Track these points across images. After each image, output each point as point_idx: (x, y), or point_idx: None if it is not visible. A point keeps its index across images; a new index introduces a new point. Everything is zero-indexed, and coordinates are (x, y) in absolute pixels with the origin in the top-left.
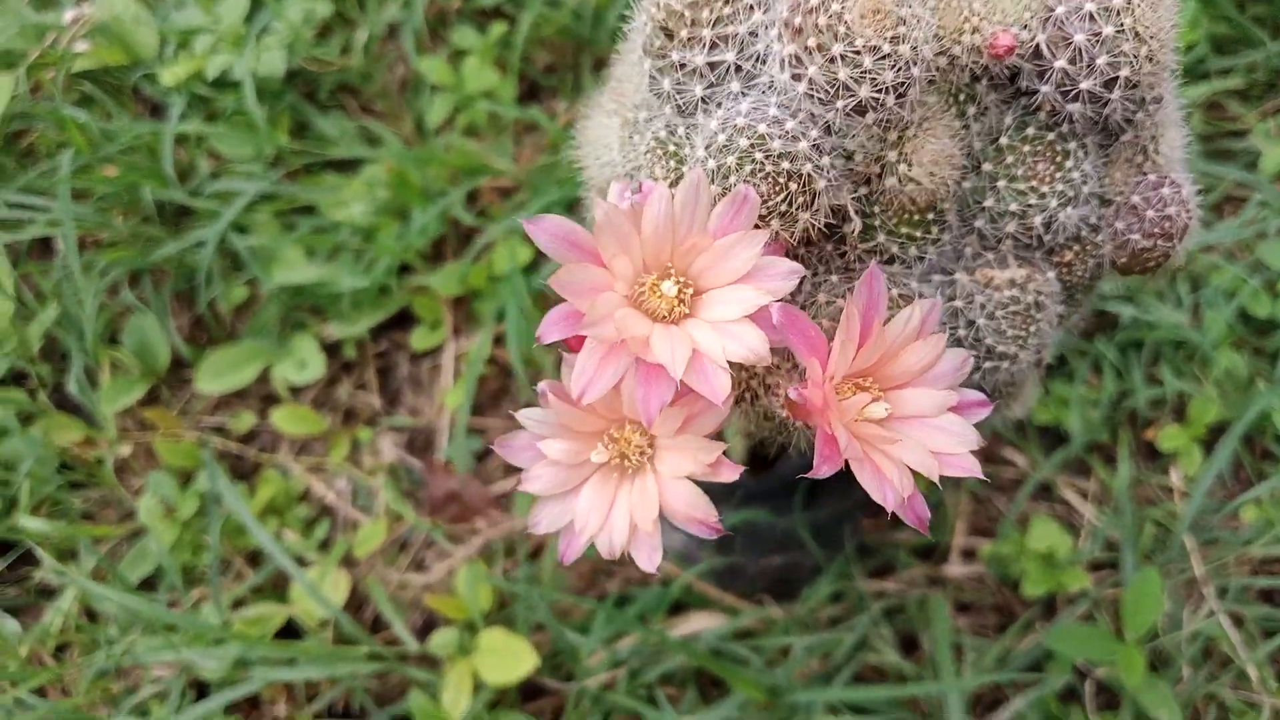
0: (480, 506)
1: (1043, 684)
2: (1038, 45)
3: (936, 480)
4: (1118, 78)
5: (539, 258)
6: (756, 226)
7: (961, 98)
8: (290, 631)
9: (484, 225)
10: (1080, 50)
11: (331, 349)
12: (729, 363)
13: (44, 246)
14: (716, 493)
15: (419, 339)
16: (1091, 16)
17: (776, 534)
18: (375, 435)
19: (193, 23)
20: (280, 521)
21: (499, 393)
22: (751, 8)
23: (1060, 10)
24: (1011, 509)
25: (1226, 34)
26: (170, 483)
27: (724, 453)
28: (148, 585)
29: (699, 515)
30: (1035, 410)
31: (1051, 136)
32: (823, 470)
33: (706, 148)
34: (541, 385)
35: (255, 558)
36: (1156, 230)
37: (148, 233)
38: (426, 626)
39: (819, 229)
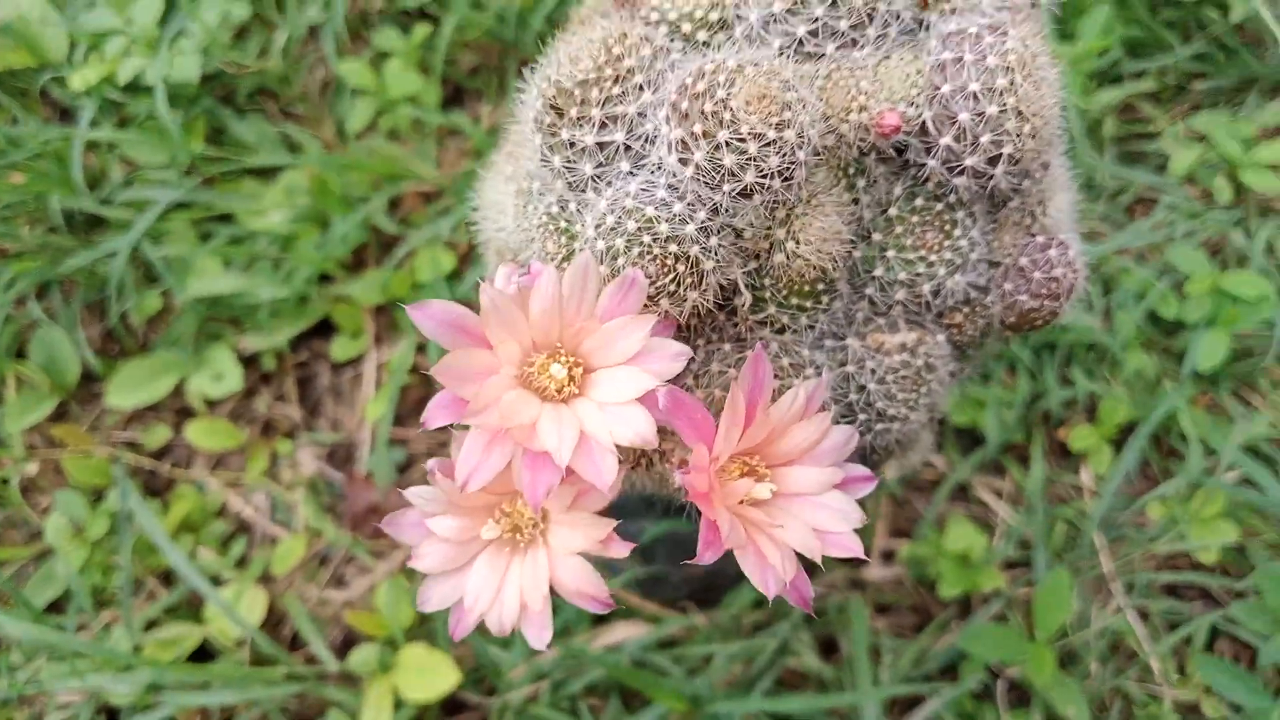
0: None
1: (958, 684)
2: (924, 122)
3: (819, 561)
4: (1001, 155)
5: (462, 266)
6: (646, 306)
7: (851, 171)
8: (205, 652)
9: (406, 232)
10: (964, 129)
11: (249, 360)
12: (617, 445)
13: None
14: (640, 506)
15: (340, 349)
16: (975, 96)
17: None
18: (295, 448)
19: (104, 25)
20: (195, 539)
21: (421, 402)
22: (641, 88)
23: (946, 89)
24: (929, 510)
25: (1139, 37)
26: (79, 501)
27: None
28: (55, 608)
29: (590, 591)
30: (953, 412)
31: (939, 207)
32: (705, 557)
33: (596, 228)
34: (430, 464)
35: (169, 577)
36: (1043, 291)
37: (56, 243)
38: (346, 643)
39: (708, 306)
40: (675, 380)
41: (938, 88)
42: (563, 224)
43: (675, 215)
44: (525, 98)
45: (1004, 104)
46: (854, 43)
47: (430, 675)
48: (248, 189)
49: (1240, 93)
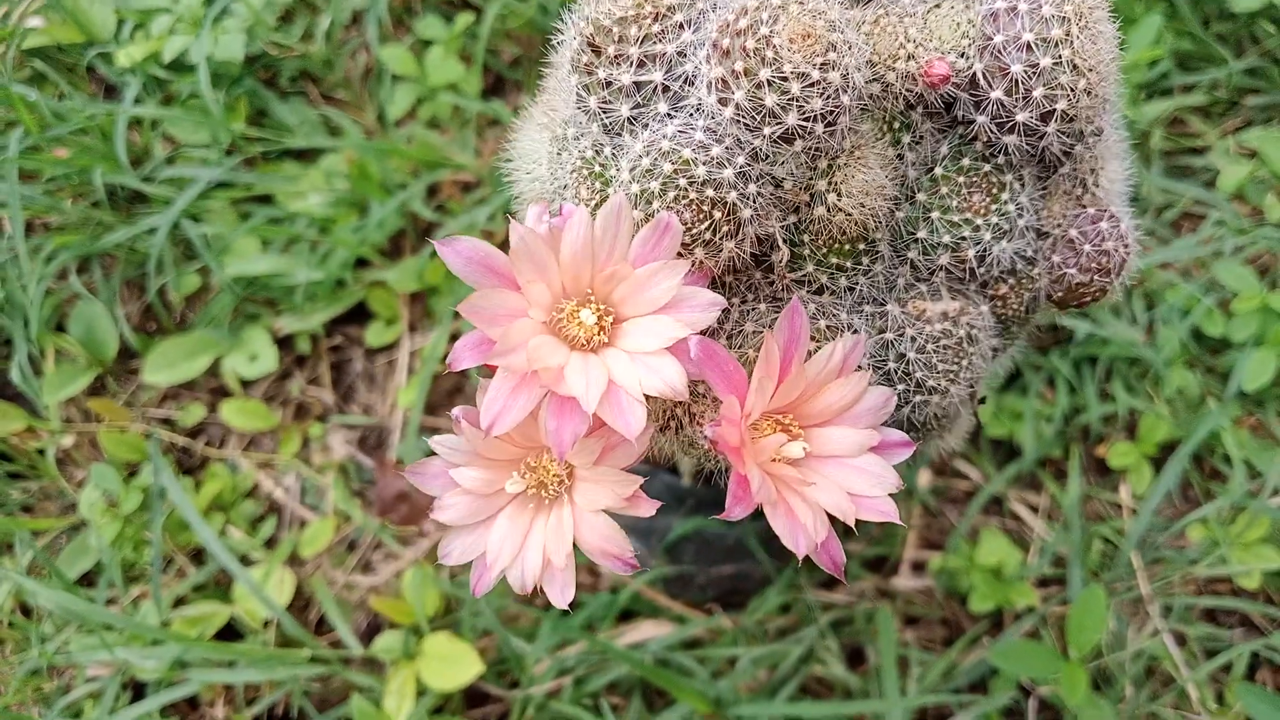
0: (430, 508)
1: (986, 701)
2: (974, 74)
3: (852, 524)
4: (1054, 111)
5: None
6: (680, 255)
7: (896, 125)
8: (232, 631)
9: (443, 220)
10: (1017, 81)
11: (284, 342)
12: (646, 396)
13: None
14: (669, 501)
15: (374, 335)
16: (1029, 47)
17: (727, 543)
18: (326, 432)
19: (151, 3)
20: (226, 518)
21: (453, 391)
22: (681, 26)
23: (998, 40)
24: (962, 522)
25: (1190, 50)
26: (114, 476)
27: (642, 486)
28: (87, 580)
29: (614, 550)
30: (989, 423)
31: (987, 168)
32: (735, 513)
33: (631, 171)
34: (455, 411)
35: (199, 555)
36: (1094, 265)
37: (98, 218)
38: (371, 629)
39: (745, 258)
40: (708, 335)
41: (990, 38)
42: (597, 168)
43: (713, 159)
44: (562, 38)
45: (1059, 56)
46: None
47: (453, 664)
48: (288, 171)
49: None
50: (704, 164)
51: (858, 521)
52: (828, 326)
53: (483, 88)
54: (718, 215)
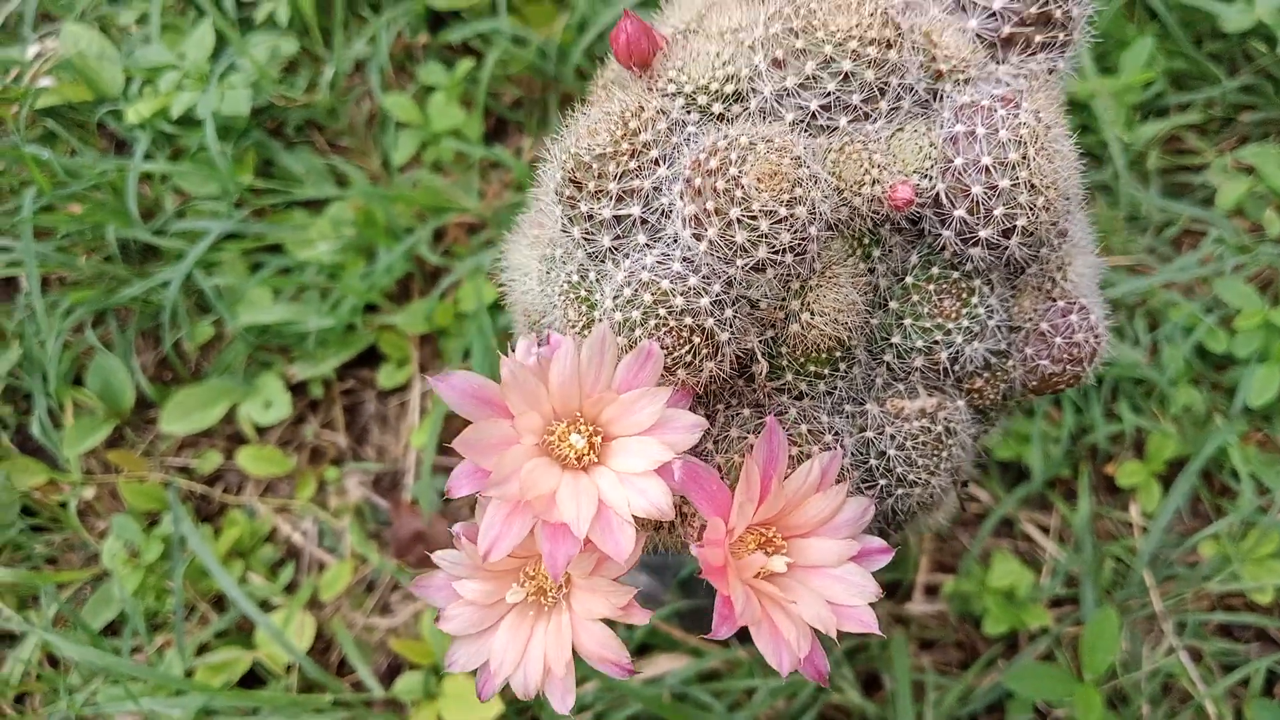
0: (446, 547)
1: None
2: (938, 194)
3: (834, 636)
4: (1014, 227)
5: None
6: (663, 376)
7: (866, 241)
8: (256, 676)
9: (450, 264)
10: (978, 201)
11: (298, 388)
12: (634, 516)
13: (5, 286)
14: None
15: (386, 377)
16: (988, 169)
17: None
18: (342, 475)
19: (159, 60)
20: (245, 564)
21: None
22: (657, 162)
23: (958, 162)
24: (974, 545)
25: (1184, 69)
26: (134, 526)
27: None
28: (111, 630)
29: (611, 657)
30: (996, 447)
31: (956, 275)
32: (720, 632)
33: (614, 300)
34: (456, 528)
35: (220, 601)
36: (1065, 356)
37: (112, 271)
38: (392, 670)
39: (725, 375)
40: (694, 447)
41: (950, 160)
42: (583, 293)
43: (690, 289)
44: (546, 168)
45: (1016, 177)
46: (866, 116)
47: (473, 704)
48: (296, 220)
49: None
50: (681, 294)
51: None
52: (809, 430)
53: (485, 130)
54: (697, 340)
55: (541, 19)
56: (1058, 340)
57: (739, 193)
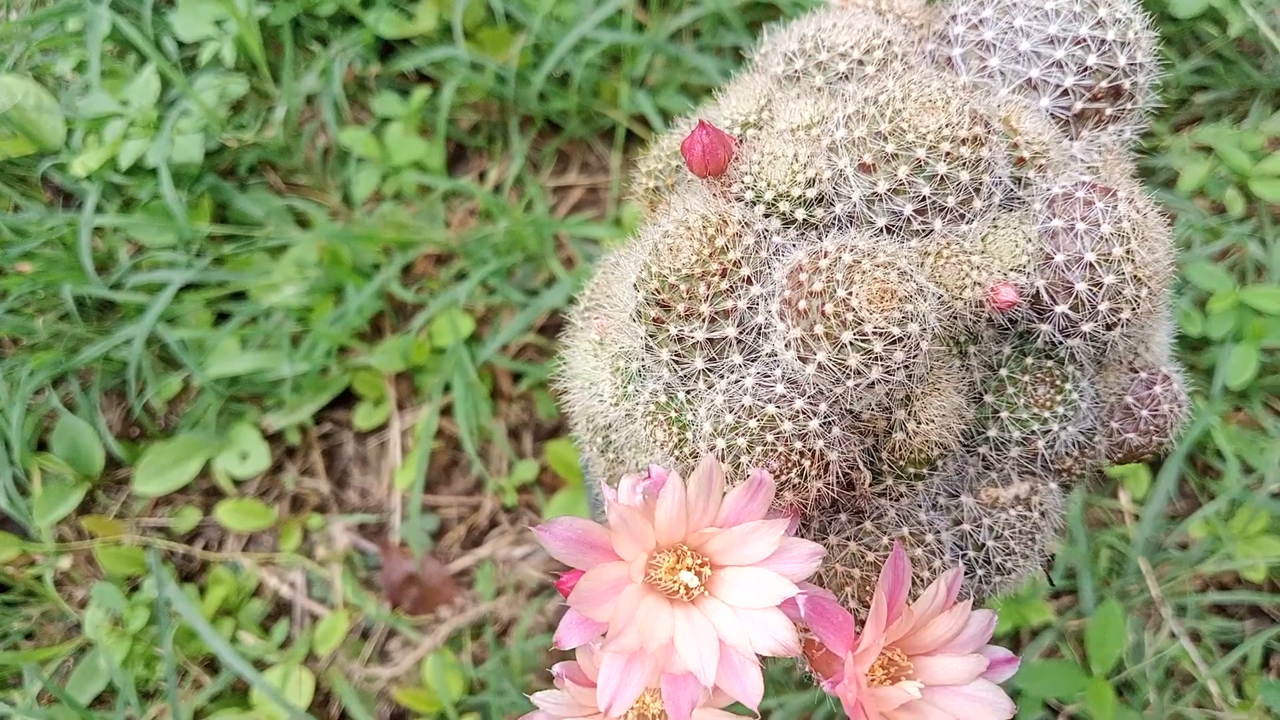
0: (439, 587)
1: None
2: (1038, 291)
3: None
4: (1119, 320)
5: (480, 328)
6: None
7: (962, 339)
8: None
9: (422, 299)
10: (1081, 298)
11: (273, 436)
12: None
13: None
14: None
15: (363, 417)
16: (1092, 266)
17: None
18: (326, 522)
19: (101, 109)
20: (235, 622)
21: (449, 466)
22: (749, 280)
23: (1059, 259)
24: None
25: None
26: (115, 593)
27: None
28: (100, 702)
29: None
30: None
31: (1049, 363)
32: None
33: (714, 426)
34: (558, 669)
35: (213, 663)
36: (1151, 428)
37: (70, 331)
38: (395, 718)
39: (831, 493)
40: None
41: (1050, 256)
42: (672, 414)
43: (797, 412)
44: (611, 277)
45: (1122, 272)
46: (961, 217)
47: None
48: (258, 264)
49: (1242, 102)
50: (789, 418)
51: None
52: (910, 533)
53: (446, 158)
54: (806, 463)
55: (497, 44)
56: (1144, 413)
57: (850, 316)
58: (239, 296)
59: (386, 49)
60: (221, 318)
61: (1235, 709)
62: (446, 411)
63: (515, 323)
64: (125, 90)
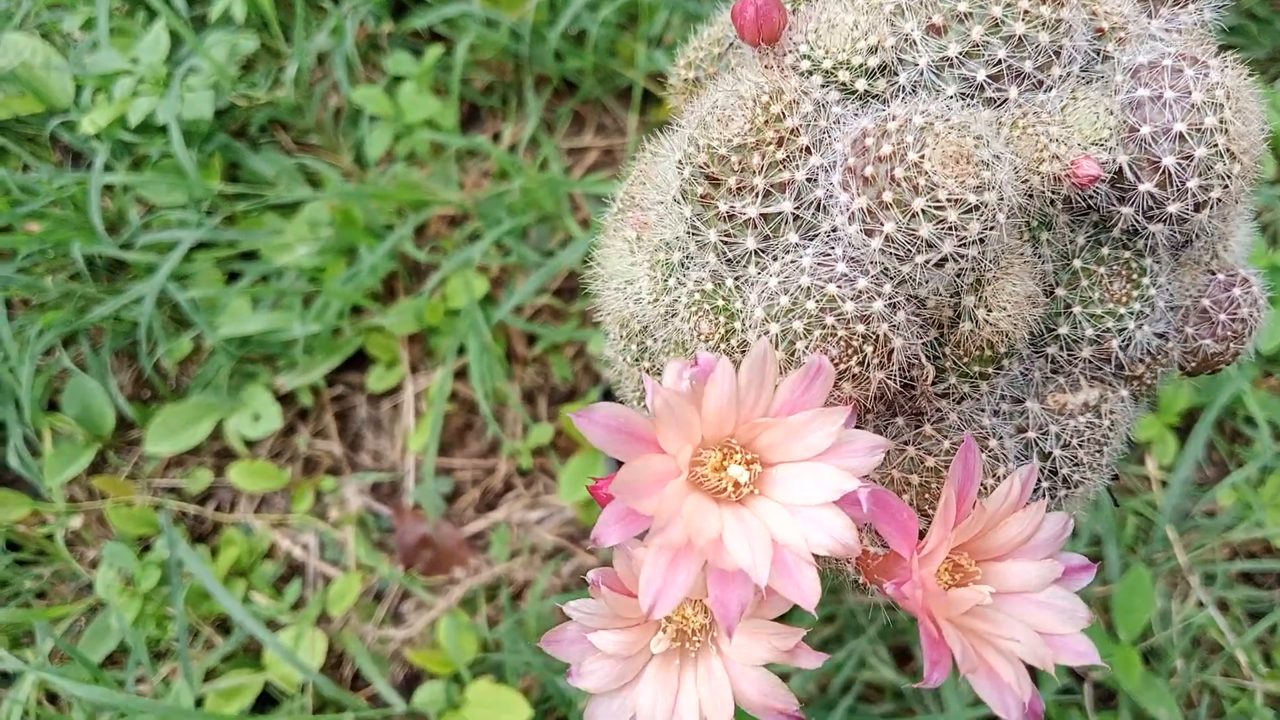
0: (454, 549)
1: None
2: (1120, 168)
3: (1051, 672)
4: (1209, 199)
5: (495, 289)
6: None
7: (1035, 224)
8: (268, 697)
9: (436, 260)
10: (1169, 174)
11: (286, 398)
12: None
13: None
14: None
15: (376, 380)
16: (1182, 137)
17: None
18: (340, 484)
19: (110, 66)
20: (247, 583)
21: (464, 429)
22: (808, 149)
23: (1145, 131)
24: None
25: None
26: (127, 553)
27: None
28: (112, 662)
29: (779, 706)
30: None
31: (1127, 255)
32: (934, 678)
33: (767, 309)
34: (592, 575)
35: (225, 623)
36: (1229, 334)
37: (80, 290)
38: (410, 680)
39: (895, 386)
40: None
41: (1135, 129)
42: (719, 302)
43: (860, 292)
44: (653, 165)
45: (1214, 144)
46: (1039, 84)
47: (500, 711)
48: (270, 223)
49: (1275, 63)
50: (851, 299)
51: None
52: (973, 437)
53: (459, 118)
54: (869, 350)
55: (511, 1)
56: (1222, 317)
57: (922, 180)
58: (250, 256)
59: (399, 6)
60: (233, 277)
61: (1264, 678)
62: (461, 374)
63: (530, 283)
64: (135, 48)
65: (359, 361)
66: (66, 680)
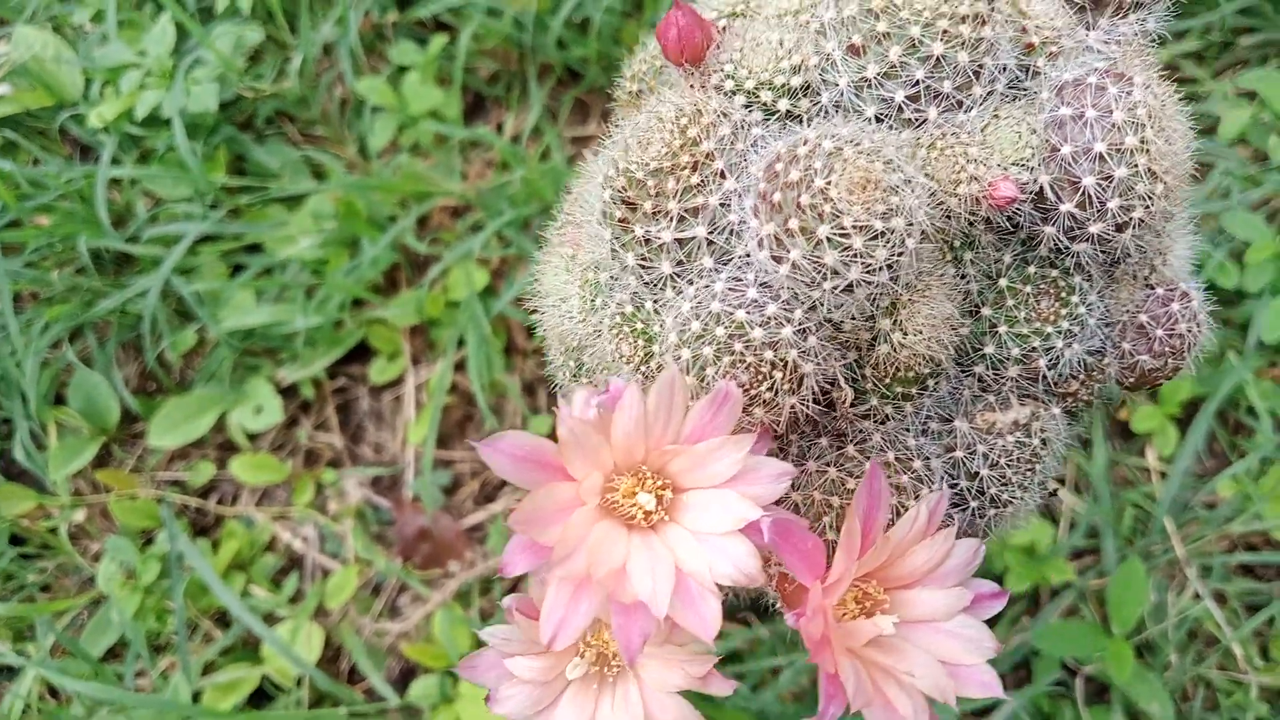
0: (452, 542)
1: (1033, 684)
2: (1040, 188)
3: (953, 704)
4: (1130, 220)
5: (495, 281)
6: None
7: (957, 244)
8: (265, 692)
9: (438, 252)
10: (1089, 194)
11: (288, 390)
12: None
13: None
14: None
15: (378, 372)
16: (1101, 157)
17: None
18: (340, 477)
19: (119, 59)
20: (247, 576)
21: (464, 421)
22: (722, 174)
23: (1066, 150)
24: None
25: None
26: (129, 546)
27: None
28: (112, 655)
29: None
30: None
31: (1054, 273)
32: (829, 713)
33: (679, 335)
34: (507, 601)
35: (224, 617)
36: (1167, 349)
37: (86, 284)
38: (405, 674)
39: (808, 411)
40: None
41: (1056, 149)
42: (639, 325)
43: (770, 318)
44: (586, 183)
45: (1135, 164)
46: (959, 104)
47: None
48: (274, 216)
49: None
50: (759, 325)
51: None
52: (896, 458)
53: (463, 108)
54: (778, 375)
55: None
56: (1159, 333)
57: (828, 207)
58: (254, 249)
59: None
60: (237, 270)
61: (1259, 672)
62: (461, 366)
63: (530, 275)
64: (142, 40)
65: (361, 354)
66: (65, 676)
